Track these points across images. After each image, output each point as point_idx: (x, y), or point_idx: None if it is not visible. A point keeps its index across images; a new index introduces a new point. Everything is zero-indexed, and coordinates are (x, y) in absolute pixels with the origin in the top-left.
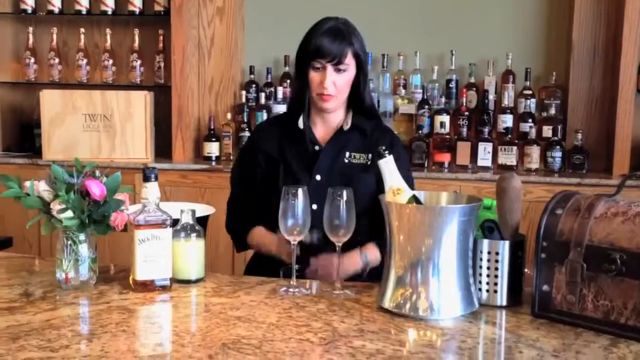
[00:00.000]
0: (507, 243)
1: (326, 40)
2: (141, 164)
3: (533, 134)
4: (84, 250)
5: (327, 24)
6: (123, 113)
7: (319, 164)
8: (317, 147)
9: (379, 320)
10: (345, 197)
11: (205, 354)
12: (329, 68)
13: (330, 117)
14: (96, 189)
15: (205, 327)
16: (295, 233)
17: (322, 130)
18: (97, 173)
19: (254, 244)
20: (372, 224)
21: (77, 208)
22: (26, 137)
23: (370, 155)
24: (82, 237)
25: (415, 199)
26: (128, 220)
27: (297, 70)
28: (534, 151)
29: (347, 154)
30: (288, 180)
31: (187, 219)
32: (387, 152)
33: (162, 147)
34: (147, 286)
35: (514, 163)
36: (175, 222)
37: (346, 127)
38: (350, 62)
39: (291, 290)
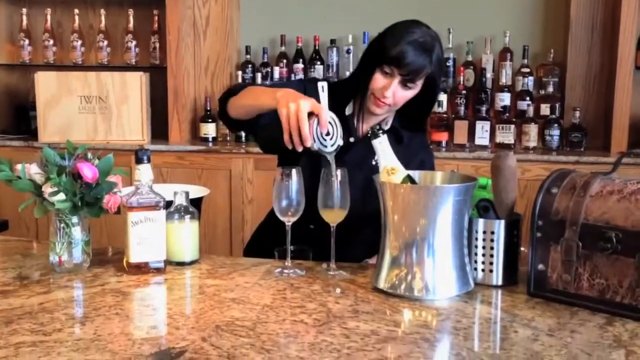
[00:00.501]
0: (502, 222)
1: (411, 52)
2: (137, 146)
3: (531, 112)
4: (77, 233)
5: (417, 33)
6: (118, 94)
7: (348, 157)
8: (352, 139)
9: (374, 300)
10: (339, 178)
11: (199, 336)
12: (397, 78)
13: (372, 117)
14: (88, 172)
15: (199, 309)
16: (289, 214)
17: (359, 124)
18: (90, 155)
19: (244, 102)
20: None
21: (69, 191)
22: (22, 119)
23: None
24: (74, 219)
25: (409, 179)
26: (121, 202)
27: (365, 58)
28: (532, 129)
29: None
30: (309, 163)
31: (180, 200)
32: (381, 131)
33: (159, 129)
34: (141, 269)
35: (512, 141)
36: (169, 204)
37: (385, 127)
38: (420, 82)
39: (286, 271)
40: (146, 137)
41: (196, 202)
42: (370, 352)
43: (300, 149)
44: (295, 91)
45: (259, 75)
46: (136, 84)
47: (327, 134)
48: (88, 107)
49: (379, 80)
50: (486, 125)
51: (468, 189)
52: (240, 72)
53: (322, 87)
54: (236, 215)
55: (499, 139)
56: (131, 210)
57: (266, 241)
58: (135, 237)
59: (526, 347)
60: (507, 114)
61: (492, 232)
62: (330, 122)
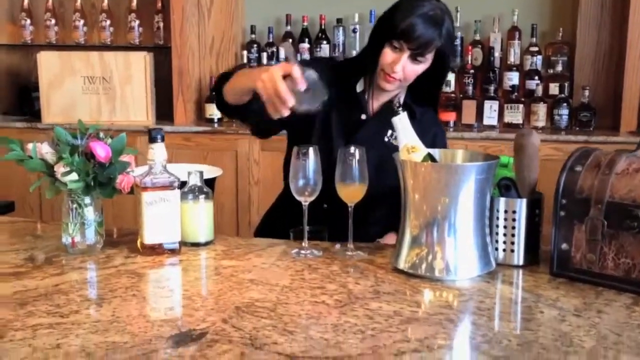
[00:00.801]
0: (524, 201)
1: (420, 25)
2: (142, 127)
3: (539, 91)
4: (90, 213)
5: (426, 7)
6: (122, 75)
7: (360, 134)
8: (363, 116)
9: (395, 281)
10: (357, 157)
11: (219, 317)
12: (407, 53)
13: (384, 93)
14: (101, 151)
15: (217, 291)
16: (306, 194)
17: (372, 101)
18: (102, 135)
19: (232, 86)
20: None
21: (81, 170)
22: (24, 100)
23: None
24: (87, 200)
25: (430, 157)
26: (134, 182)
27: (374, 34)
28: (541, 109)
29: (390, 132)
30: (321, 141)
31: (195, 180)
32: (400, 108)
33: (163, 110)
34: (155, 250)
35: (520, 121)
36: (182, 184)
37: (398, 104)
38: (430, 56)
39: (303, 252)
40: (151, 118)
41: (209, 183)
42: (395, 334)
43: (285, 112)
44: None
45: (264, 55)
46: (140, 64)
47: (307, 90)
48: (91, 87)
49: (388, 55)
50: (494, 104)
51: (490, 167)
52: (245, 52)
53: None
54: (243, 196)
55: (508, 118)
56: (145, 191)
57: (278, 222)
58: (149, 218)
59: (554, 328)
60: (516, 94)
61: (514, 212)
62: (308, 78)
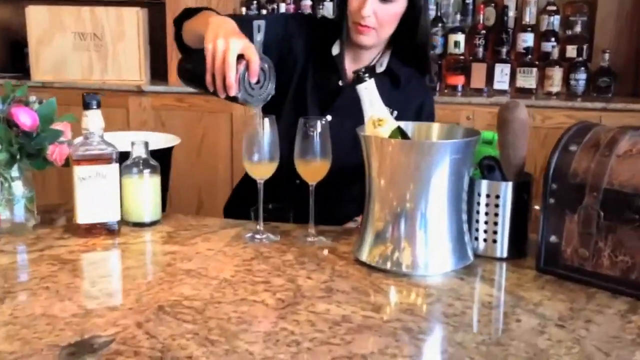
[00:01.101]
0: (509, 184)
1: None
2: (135, 87)
3: (555, 54)
4: (17, 188)
5: None
6: (114, 31)
7: (337, 103)
8: (340, 83)
9: (354, 276)
10: (319, 129)
11: (134, 320)
12: None
13: (364, 54)
14: (25, 118)
15: (145, 285)
16: (261, 171)
17: (351, 66)
18: (33, 99)
19: (189, 26)
20: None
21: (3, 140)
22: (16, 56)
23: (395, 113)
24: (14, 173)
25: (400, 132)
26: (69, 154)
27: None
28: (556, 73)
29: None
30: (294, 111)
31: (139, 152)
32: (367, 75)
33: (158, 69)
34: (90, 231)
35: (534, 86)
36: (126, 156)
37: (380, 68)
38: None
39: (257, 236)
40: (144, 77)
41: (165, 153)
42: (336, 347)
43: (222, 95)
44: (231, 25)
45: (264, 12)
46: (133, 20)
47: (257, 82)
48: (82, 44)
49: (353, 1)
50: (506, 68)
51: (469, 145)
52: (244, 9)
53: (259, 27)
54: (237, 160)
55: (520, 83)
56: (78, 164)
57: (246, 198)
58: (82, 195)
59: (529, 343)
60: (530, 56)
61: (498, 196)
62: (262, 69)
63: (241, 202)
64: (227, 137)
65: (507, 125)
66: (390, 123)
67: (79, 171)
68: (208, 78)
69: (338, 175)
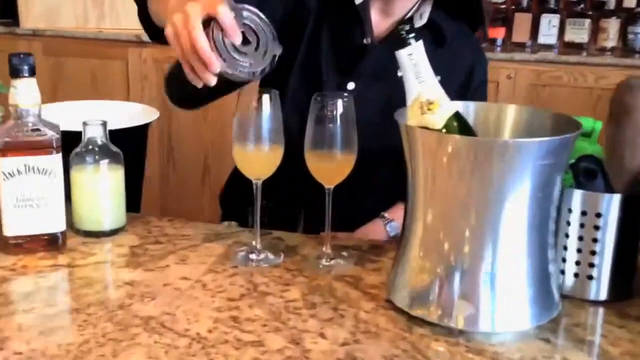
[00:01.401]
0: (616, 198)
1: None
2: (134, 36)
3: (612, 3)
4: None
5: None
6: None
7: (361, 66)
8: (365, 41)
9: (386, 333)
10: (340, 109)
11: None
12: None
13: (397, 2)
14: None
15: (75, 350)
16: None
17: (379, 20)
18: None
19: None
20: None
21: None
22: (7, 1)
23: (438, 78)
24: None
25: (458, 120)
26: None
27: None
28: (612, 25)
29: None
30: (306, 78)
31: (93, 133)
32: (412, 35)
33: None
34: (21, 246)
35: (585, 40)
36: (74, 139)
37: (419, 21)
38: None
39: (253, 257)
40: None
41: (138, 132)
42: None
43: (211, 81)
44: None
45: None
46: None
47: (246, 42)
48: None
49: None
50: (554, 19)
51: (567, 145)
52: None
53: None
54: None
55: (569, 36)
56: (4, 155)
57: (245, 186)
58: (11, 197)
59: None
60: (582, 6)
61: (598, 215)
62: (246, 23)
63: (240, 189)
64: (234, 98)
65: (629, 115)
66: (444, 107)
67: (5, 164)
68: (186, 68)
69: (360, 159)
